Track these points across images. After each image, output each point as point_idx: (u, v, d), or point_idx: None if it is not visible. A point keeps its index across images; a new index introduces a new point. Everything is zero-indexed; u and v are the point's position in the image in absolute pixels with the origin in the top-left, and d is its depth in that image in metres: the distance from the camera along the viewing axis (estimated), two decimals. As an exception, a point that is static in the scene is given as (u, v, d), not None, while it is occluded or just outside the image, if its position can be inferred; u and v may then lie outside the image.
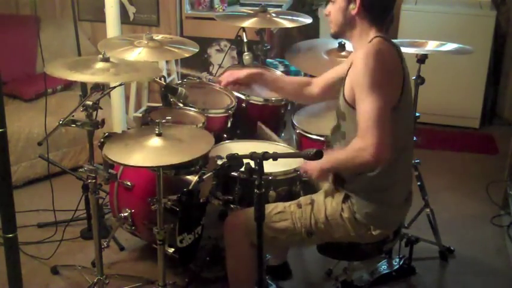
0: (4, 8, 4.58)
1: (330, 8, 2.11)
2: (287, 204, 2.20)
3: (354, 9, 2.02)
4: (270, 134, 2.74)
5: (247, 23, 3.15)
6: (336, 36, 2.15)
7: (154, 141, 2.15)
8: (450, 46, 2.98)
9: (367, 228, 2.10)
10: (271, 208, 2.17)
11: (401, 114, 1.98)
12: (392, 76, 1.95)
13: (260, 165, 1.89)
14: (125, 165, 2.13)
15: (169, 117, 2.34)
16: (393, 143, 1.90)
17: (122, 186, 2.69)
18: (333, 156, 2.02)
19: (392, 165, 2.01)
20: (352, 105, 2.00)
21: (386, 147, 1.86)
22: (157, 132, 2.16)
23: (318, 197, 2.20)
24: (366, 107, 1.89)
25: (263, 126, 2.78)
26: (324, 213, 2.13)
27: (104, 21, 3.44)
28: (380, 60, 1.91)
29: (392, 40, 2.13)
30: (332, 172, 2.12)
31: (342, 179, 2.13)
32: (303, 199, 2.21)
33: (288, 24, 3.22)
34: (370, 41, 1.99)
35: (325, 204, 2.14)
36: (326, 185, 2.29)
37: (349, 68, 2.05)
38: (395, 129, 1.94)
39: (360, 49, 2.01)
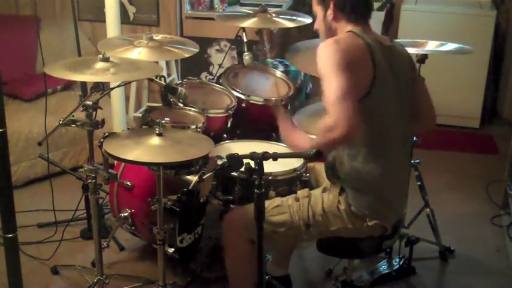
0: (4, 8, 4.59)
1: (316, 23, 2.19)
2: (284, 198, 2.22)
3: (330, 14, 2.10)
4: None
5: (247, 23, 3.15)
6: None
7: (155, 141, 2.16)
8: (450, 46, 2.98)
9: (363, 220, 2.11)
10: (268, 203, 2.19)
11: (369, 109, 1.99)
12: (353, 66, 1.96)
13: (260, 165, 1.89)
14: (124, 161, 2.13)
15: (168, 118, 2.34)
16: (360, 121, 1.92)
17: (122, 186, 2.69)
18: (308, 140, 2.08)
19: (381, 159, 2.06)
20: None
21: (352, 125, 1.88)
22: (157, 132, 2.16)
23: (315, 190, 2.22)
24: (328, 88, 1.94)
25: None
26: (321, 206, 2.15)
27: (104, 21, 3.44)
28: (336, 48, 1.96)
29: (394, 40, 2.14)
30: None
31: (337, 174, 2.14)
32: (300, 193, 2.23)
33: (288, 24, 3.22)
34: None
35: (322, 197, 2.17)
36: (324, 183, 2.30)
37: None
38: (369, 116, 1.99)
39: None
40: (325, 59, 1.96)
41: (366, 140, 2.04)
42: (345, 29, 2.09)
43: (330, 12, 2.10)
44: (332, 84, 1.93)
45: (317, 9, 2.15)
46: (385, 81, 2.02)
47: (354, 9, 2.07)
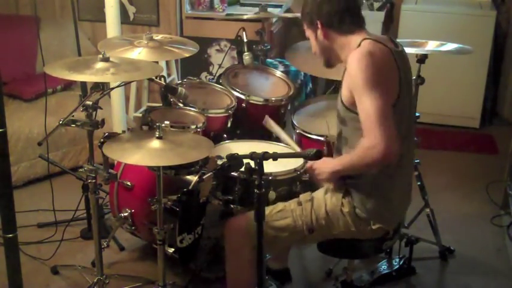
0: (4, 8, 4.58)
1: (312, 48, 2.18)
2: (287, 203, 2.21)
3: (321, 34, 2.09)
4: (276, 130, 2.69)
5: (247, 16, 3.14)
6: (328, 65, 2.21)
7: (155, 144, 2.16)
8: (450, 46, 2.98)
9: (367, 223, 2.11)
10: (271, 208, 2.18)
11: (398, 112, 1.99)
12: (386, 75, 1.96)
13: (260, 165, 1.89)
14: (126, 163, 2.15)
15: (168, 122, 2.35)
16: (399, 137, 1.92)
17: (122, 186, 2.69)
18: (342, 159, 2.06)
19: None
20: (350, 109, 2.02)
21: (394, 143, 1.88)
22: (157, 135, 2.16)
23: (317, 193, 2.21)
24: (366, 107, 1.90)
25: (270, 121, 2.72)
26: (324, 209, 2.13)
27: (104, 21, 3.44)
28: (371, 61, 1.93)
29: (396, 40, 2.13)
30: (342, 174, 2.10)
31: (343, 176, 2.14)
32: (302, 196, 2.21)
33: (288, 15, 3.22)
34: (359, 45, 2.02)
35: (325, 200, 2.15)
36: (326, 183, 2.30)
37: (344, 71, 2.06)
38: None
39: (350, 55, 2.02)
40: (362, 72, 1.92)
41: None
42: (348, 40, 2.06)
43: (319, 32, 2.09)
44: (369, 103, 1.89)
45: (308, 32, 2.15)
46: (404, 87, 2.02)
47: (342, 21, 2.06)
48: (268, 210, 2.13)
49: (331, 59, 2.17)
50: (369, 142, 1.89)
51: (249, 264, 2.12)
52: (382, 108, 1.89)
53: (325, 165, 2.08)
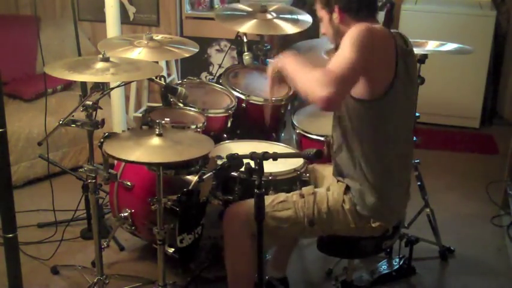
0: (4, 8, 4.59)
1: (322, 27, 2.17)
2: (289, 194, 2.21)
3: (337, 18, 2.07)
4: None
5: (246, 27, 3.14)
6: (338, 47, 2.18)
7: (155, 141, 2.16)
8: (450, 46, 2.98)
9: (367, 221, 2.12)
10: (272, 198, 2.19)
11: (391, 105, 1.99)
12: (378, 55, 1.94)
13: (260, 165, 1.89)
14: (125, 161, 2.14)
15: (168, 119, 2.35)
16: (345, 95, 1.89)
17: (122, 186, 2.69)
18: (304, 65, 1.98)
19: (389, 158, 2.06)
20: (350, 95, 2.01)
21: (339, 98, 1.83)
22: (157, 132, 2.16)
23: (320, 189, 2.23)
24: (339, 54, 1.87)
25: None
26: (326, 204, 2.15)
27: (104, 21, 3.44)
28: (368, 34, 1.92)
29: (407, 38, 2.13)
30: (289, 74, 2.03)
31: (341, 170, 2.15)
32: (305, 190, 2.22)
33: (289, 29, 3.21)
34: None
35: (327, 196, 2.17)
36: (327, 181, 2.30)
37: None
38: (383, 118, 1.99)
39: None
40: (351, 35, 1.91)
41: (376, 141, 2.04)
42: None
43: (335, 15, 2.07)
44: (345, 54, 1.86)
45: (322, 13, 2.13)
46: (401, 81, 2.01)
47: (361, 7, 2.05)
48: (269, 200, 2.15)
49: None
50: (329, 68, 1.84)
51: (248, 251, 2.14)
52: (353, 64, 1.83)
53: (288, 59, 2.05)
